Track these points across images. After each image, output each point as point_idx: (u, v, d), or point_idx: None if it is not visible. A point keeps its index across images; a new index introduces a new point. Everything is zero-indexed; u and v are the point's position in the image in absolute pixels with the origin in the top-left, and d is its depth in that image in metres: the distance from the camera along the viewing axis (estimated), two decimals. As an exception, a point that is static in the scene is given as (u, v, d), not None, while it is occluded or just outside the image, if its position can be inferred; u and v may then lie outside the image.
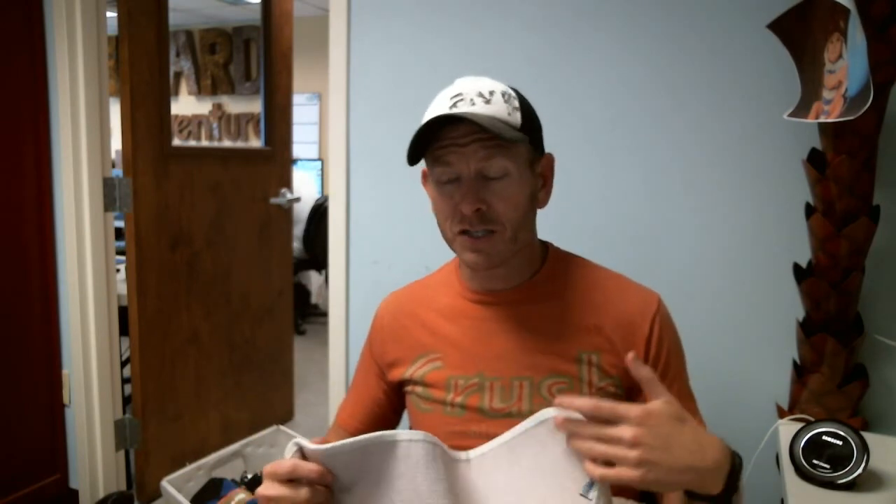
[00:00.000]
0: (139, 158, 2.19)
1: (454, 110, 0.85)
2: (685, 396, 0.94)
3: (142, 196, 2.20)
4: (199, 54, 5.83)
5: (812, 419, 1.16)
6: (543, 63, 1.54)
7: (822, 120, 1.14)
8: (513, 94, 0.90)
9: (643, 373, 0.73)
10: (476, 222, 0.87)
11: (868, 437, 1.04)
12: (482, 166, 0.86)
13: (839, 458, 1.02)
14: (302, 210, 4.29)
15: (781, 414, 1.29)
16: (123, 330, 2.26)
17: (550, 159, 0.96)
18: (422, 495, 0.71)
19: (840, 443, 1.03)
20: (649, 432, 0.67)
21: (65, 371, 2.23)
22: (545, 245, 1.01)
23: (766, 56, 1.32)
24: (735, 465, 0.73)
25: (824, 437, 1.05)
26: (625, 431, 0.67)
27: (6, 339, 2.09)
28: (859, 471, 1.00)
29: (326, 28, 1.76)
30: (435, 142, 0.87)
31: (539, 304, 0.95)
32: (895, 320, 1.28)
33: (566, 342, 0.92)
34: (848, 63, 1.06)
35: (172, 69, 5.71)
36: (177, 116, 5.95)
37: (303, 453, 0.74)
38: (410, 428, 1.06)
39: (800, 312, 1.29)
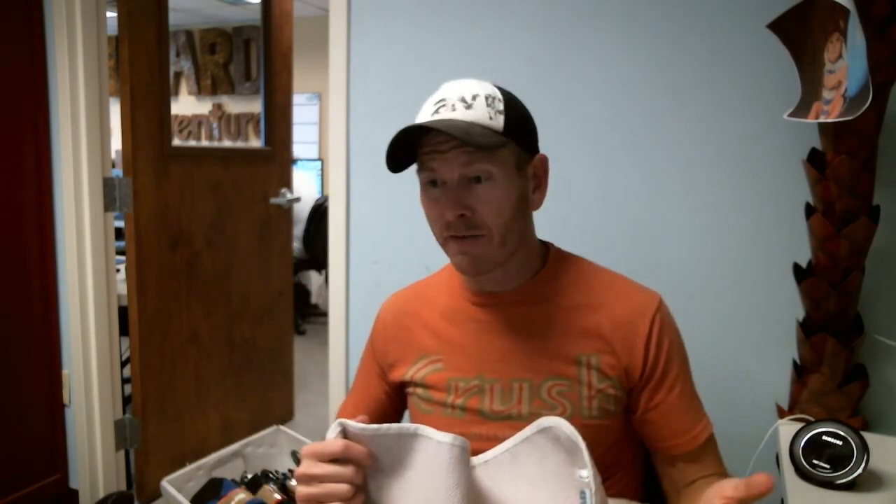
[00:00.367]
0: (139, 158, 2.19)
1: (436, 117, 0.86)
2: (688, 397, 0.94)
3: (142, 196, 2.20)
4: (199, 54, 5.83)
5: (812, 419, 1.16)
6: (543, 63, 1.54)
7: (822, 120, 1.14)
8: (499, 96, 0.89)
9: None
10: (462, 228, 0.87)
11: (868, 437, 1.04)
12: (464, 172, 0.86)
13: (839, 458, 1.02)
14: (302, 210, 4.29)
15: (781, 414, 1.29)
16: (123, 330, 2.26)
17: (544, 160, 0.95)
18: (440, 496, 0.71)
19: (840, 443, 1.03)
20: None
21: (65, 371, 2.23)
22: (546, 246, 1.00)
23: (766, 56, 1.32)
24: None
25: (824, 437, 1.05)
26: None
27: (6, 339, 2.09)
28: (859, 471, 1.00)
29: (326, 28, 1.76)
30: (419, 148, 0.88)
31: (539, 306, 0.95)
32: (895, 320, 1.28)
33: (566, 344, 0.92)
34: (848, 63, 1.06)
35: (172, 69, 5.71)
36: (177, 116, 5.95)
37: (345, 433, 0.74)
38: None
39: (800, 312, 1.29)
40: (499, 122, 0.86)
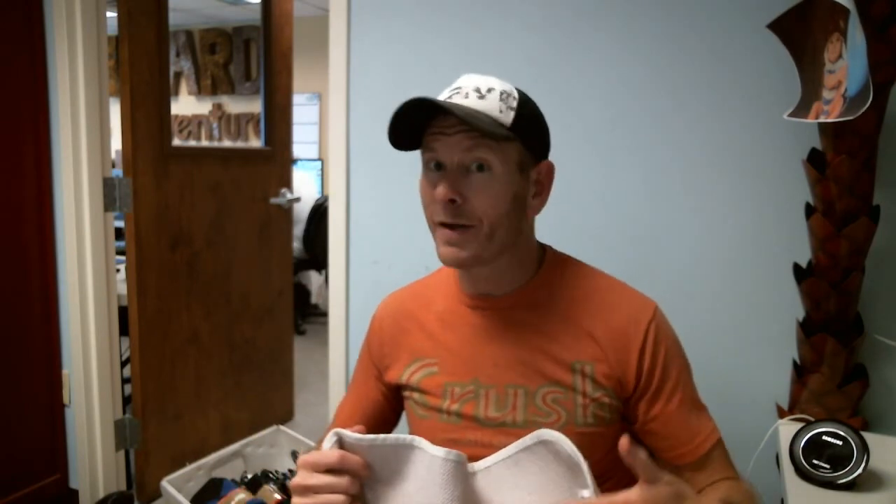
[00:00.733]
0: (139, 158, 2.19)
1: (448, 101, 0.86)
2: (689, 406, 0.92)
3: (142, 196, 2.20)
4: (199, 54, 5.83)
5: (812, 419, 1.16)
6: (543, 63, 1.54)
7: (822, 120, 1.14)
8: (515, 94, 0.89)
9: (639, 457, 0.70)
10: (450, 215, 0.86)
11: (868, 437, 1.04)
12: (464, 157, 0.85)
13: (839, 458, 1.02)
14: (302, 210, 4.29)
15: (781, 414, 1.29)
16: (123, 330, 2.26)
17: (550, 167, 0.94)
18: None
19: (840, 443, 1.03)
20: None
21: (65, 371, 2.23)
22: (543, 249, 1.00)
23: (766, 56, 1.32)
24: None
25: (824, 437, 1.05)
26: None
27: (6, 339, 2.09)
28: (859, 471, 1.00)
29: (326, 28, 1.76)
30: (427, 129, 0.88)
31: (534, 311, 0.94)
32: (895, 320, 1.28)
33: (561, 350, 0.91)
34: (848, 63, 1.06)
35: (172, 69, 5.71)
36: (177, 116, 5.95)
37: (341, 443, 0.74)
38: (409, 432, 1.06)
39: (800, 312, 1.29)
40: (508, 116, 0.86)
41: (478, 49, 1.61)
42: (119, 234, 2.25)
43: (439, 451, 0.72)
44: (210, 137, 5.91)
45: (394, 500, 0.73)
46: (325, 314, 4.49)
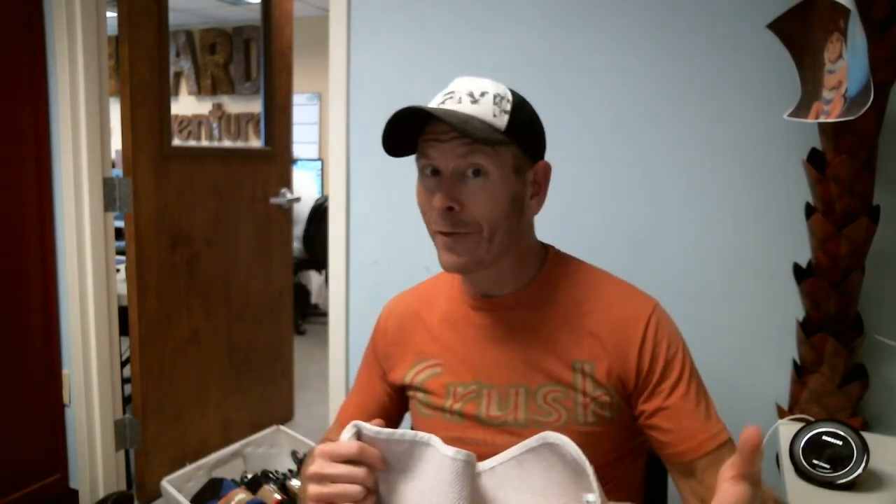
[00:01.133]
0: (139, 158, 2.19)
1: (441, 108, 0.85)
2: (693, 402, 0.89)
3: (142, 196, 2.20)
4: (199, 54, 5.83)
5: (812, 419, 1.16)
6: (543, 63, 1.54)
7: (822, 120, 1.14)
8: (509, 97, 0.88)
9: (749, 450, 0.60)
10: (448, 223, 0.86)
11: (868, 437, 1.04)
12: (460, 163, 0.85)
13: (839, 458, 1.02)
14: (302, 210, 4.29)
15: (781, 414, 1.29)
16: (123, 330, 2.26)
17: (546, 168, 0.93)
18: None
19: (840, 443, 1.03)
20: None
21: (65, 371, 2.23)
22: (545, 248, 1.00)
23: (766, 56, 1.32)
24: None
25: (824, 437, 1.05)
26: None
27: (6, 339, 2.09)
28: (859, 471, 1.00)
29: (326, 28, 1.76)
30: (421, 135, 0.88)
31: (536, 311, 0.94)
32: (895, 320, 1.28)
33: (561, 349, 0.91)
34: (848, 63, 1.06)
35: (172, 69, 5.70)
36: (177, 116, 5.95)
37: (359, 435, 0.74)
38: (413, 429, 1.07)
39: (800, 312, 1.29)
40: (502, 120, 0.86)
41: (478, 49, 1.61)
42: (119, 234, 2.25)
43: (449, 451, 0.72)
44: (210, 137, 5.91)
45: (405, 495, 0.74)
46: (325, 314, 4.49)
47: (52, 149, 2.13)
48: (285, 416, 2.98)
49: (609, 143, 1.50)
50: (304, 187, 4.26)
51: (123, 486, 2.31)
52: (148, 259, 2.25)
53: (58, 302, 2.20)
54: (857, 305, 1.24)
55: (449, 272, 0.92)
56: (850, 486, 1.01)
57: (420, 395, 0.99)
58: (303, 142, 5.57)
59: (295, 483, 1.97)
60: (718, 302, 1.43)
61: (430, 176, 0.88)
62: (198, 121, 5.94)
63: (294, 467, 2.13)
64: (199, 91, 5.87)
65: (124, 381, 2.34)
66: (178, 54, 5.82)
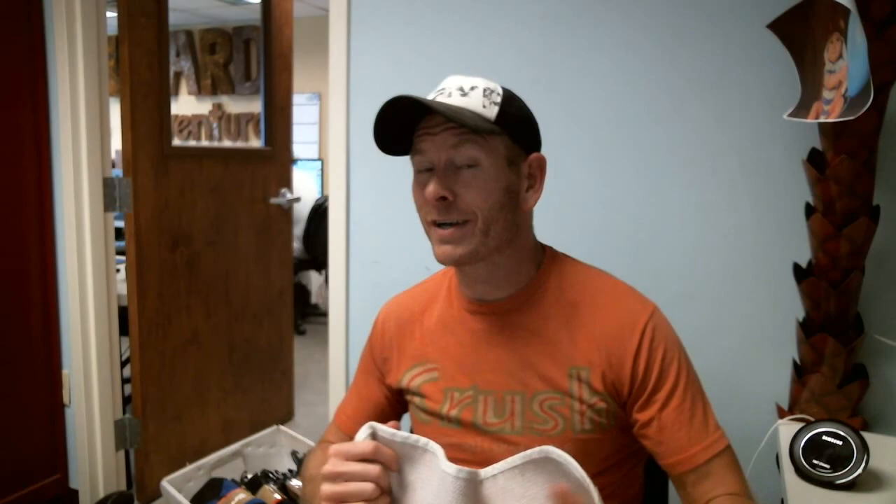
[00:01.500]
0: (139, 158, 2.19)
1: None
2: (689, 412, 0.87)
3: (142, 196, 2.20)
4: (199, 54, 5.83)
5: (812, 419, 1.16)
6: (543, 63, 1.54)
7: (822, 120, 1.14)
8: (498, 90, 0.89)
9: None
10: (443, 212, 0.86)
11: (868, 437, 1.04)
12: (451, 154, 0.86)
13: (839, 458, 1.02)
14: (302, 210, 4.29)
15: (781, 414, 1.29)
16: (123, 330, 2.26)
17: (541, 160, 0.93)
18: None
19: (840, 443, 1.03)
20: None
21: (65, 371, 2.23)
22: (543, 249, 0.99)
23: (766, 56, 1.32)
24: None
25: (824, 437, 1.05)
26: None
27: (6, 339, 2.09)
28: (859, 471, 1.00)
29: (326, 28, 1.76)
30: (415, 132, 0.89)
31: (532, 315, 0.93)
32: (895, 320, 1.28)
33: (557, 355, 0.90)
34: (848, 63, 1.06)
35: (172, 69, 5.71)
36: (177, 116, 5.95)
37: (374, 436, 0.74)
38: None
39: (800, 312, 1.29)
40: (492, 111, 0.87)
41: (478, 48, 1.61)
42: (119, 234, 2.25)
43: (451, 469, 0.72)
44: (210, 137, 5.91)
45: (413, 499, 0.74)
46: (325, 314, 4.49)
47: (52, 149, 2.13)
48: (285, 416, 2.98)
49: (609, 143, 1.50)
50: (304, 187, 4.26)
51: (123, 486, 2.31)
52: (148, 259, 2.25)
53: (58, 302, 2.20)
54: (857, 305, 1.24)
55: (445, 265, 0.91)
56: (850, 486, 1.01)
57: (417, 399, 0.99)
58: (303, 142, 5.57)
59: (295, 483, 1.97)
60: (718, 302, 1.43)
61: (422, 171, 0.89)
62: (198, 121, 5.94)
63: (294, 467, 2.13)
64: (199, 91, 5.87)
65: (124, 381, 2.34)
66: (178, 54, 5.82)
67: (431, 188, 0.85)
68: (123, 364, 2.33)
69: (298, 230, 4.29)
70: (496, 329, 0.94)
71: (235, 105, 5.78)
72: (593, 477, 0.83)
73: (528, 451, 0.74)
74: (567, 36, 1.52)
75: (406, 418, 1.06)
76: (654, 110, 1.45)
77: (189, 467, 2.03)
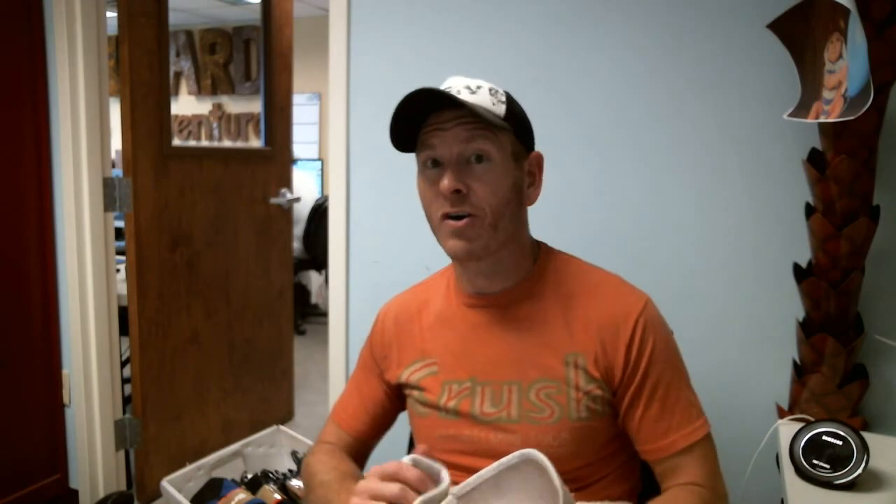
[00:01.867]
0: (139, 158, 2.18)
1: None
2: (673, 402, 0.91)
3: (142, 196, 2.20)
4: (199, 54, 5.83)
5: (812, 419, 1.16)
6: (543, 63, 1.54)
7: (822, 120, 1.14)
8: (502, 92, 0.93)
9: None
10: (456, 203, 0.87)
11: (868, 437, 1.04)
12: (464, 149, 0.87)
13: (839, 458, 1.02)
14: (302, 210, 4.29)
15: (781, 414, 1.29)
16: (123, 330, 2.26)
17: (539, 157, 0.97)
18: None
19: (840, 443, 1.03)
20: None
21: (65, 371, 2.23)
22: (538, 244, 1.01)
23: (766, 56, 1.32)
24: None
25: (824, 437, 1.05)
26: None
27: (6, 339, 2.09)
28: (859, 471, 1.00)
29: (326, 28, 1.76)
30: (423, 128, 0.90)
31: (529, 306, 0.95)
32: (895, 320, 1.28)
33: (554, 344, 0.92)
34: (848, 63, 1.06)
35: (172, 69, 5.71)
36: (177, 116, 5.94)
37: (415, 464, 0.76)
38: (411, 429, 1.07)
39: (800, 312, 1.29)
40: (500, 109, 0.90)
41: (478, 49, 1.61)
42: (119, 234, 2.25)
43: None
44: (210, 137, 5.91)
45: None
46: (325, 314, 4.49)
47: (52, 149, 2.13)
48: (285, 416, 2.98)
49: (609, 143, 1.50)
50: (304, 187, 4.26)
51: (123, 486, 2.31)
52: (148, 259, 2.25)
53: (58, 302, 2.20)
54: (857, 305, 1.24)
55: (456, 258, 0.93)
56: (849, 486, 1.01)
57: (416, 393, 1.00)
58: (303, 142, 5.57)
59: (295, 483, 1.97)
60: (718, 302, 1.43)
61: (431, 167, 0.90)
62: (198, 121, 5.94)
63: (294, 467, 2.13)
64: (199, 91, 5.87)
65: (124, 381, 2.34)
66: (178, 54, 5.82)
67: (447, 182, 0.86)
68: (123, 364, 2.33)
69: (298, 230, 4.29)
70: (495, 321, 0.96)
71: (235, 105, 5.78)
72: (589, 466, 0.84)
73: (503, 459, 0.74)
74: (567, 36, 1.52)
75: (403, 416, 1.07)
76: (654, 110, 1.45)
77: (189, 467, 2.02)
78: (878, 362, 1.29)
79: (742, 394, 1.41)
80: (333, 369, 1.88)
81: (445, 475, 0.74)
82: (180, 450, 2.41)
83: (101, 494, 2.23)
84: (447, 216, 0.88)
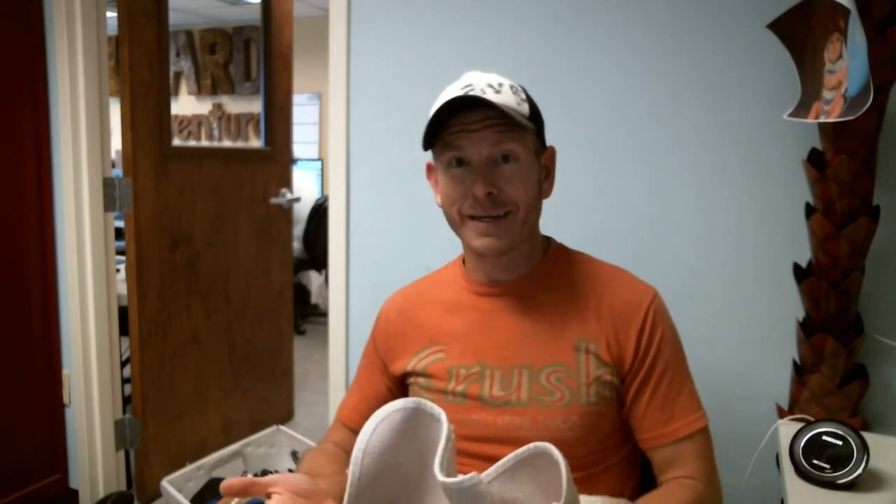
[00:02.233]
0: (139, 158, 2.18)
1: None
2: (676, 392, 0.93)
3: (142, 196, 2.20)
4: (199, 54, 5.83)
5: (812, 419, 1.16)
6: (543, 63, 1.54)
7: (822, 120, 1.14)
8: (520, 87, 0.94)
9: None
10: (489, 206, 0.89)
11: (868, 437, 1.04)
12: (493, 151, 0.89)
13: (839, 458, 1.02)
14: (302, 210, 4.28)
15: (781, 414, 1.29)
16: (123, 330, 2.26)
17: (553, 152, 0.99)
18: None
19: (840, 443, 1.03)
20: None
21: (65, 371, 2.23)
22: (547, 239, 1.04)
23: (766, 56, 1.32)
24: None
25: (824, 437, 1.05)
26: None
27: (6, 339, 2.09)
28: (859, 471, 1.00)
29: (326, 28, 1.76)
30: (446, 128, 0.90)
31: (540, 294, 0.97)
32: (895, 320, 1.28)
33: (565, 331, 0.94)
34: (848, 63, 1.06)
35: (172, 69, 5.71)
36: (177, 116, 5.94)
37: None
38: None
39: (800, 312, 1.29)
40: (525, 108, 0.91)
41: (478, 48, 1.61)
42: (119, 234, 2.25)
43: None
44: (210, 137, 5.91)
45: None
46: (325, 314, 4.49)
47: (52, 149, 2.13)
48: (285, 416, 2.98)
49: (609, 143, 1.50)
50: (304, 187, 4.26)
51: (123, 486, 2.31)
52: (148, 259, 2.25)
53: (58, 302, 2.20)
54: (856, 305, 1.24)
55: (487, 256, 0.94)
56: (850, 486, 1.01)
57: (422, 380, 1.00)
58: (303, 142, 5.57)
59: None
60: (718, 301, 1.43)
61: (456, 167, 0.91)
62: (198, 121, 5.94)
63: (294, 467, 2.13)
64: (199, 91, 5.87)
65: (124, 381, 2.34)
66: (178, 54, 5.82)
67: (480, 187, 0.87)
68: (123, 364, 2.33)
69: (298, 230, 4.29)
70: (506, 308, 0.97)
71: (235, 105, 5.78)
72: (595, 454, 0.85)
73: (517, 452, 0.74)
74: (567, 36, 1.52)
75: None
76: (654, 110, 1.45)
77: (189, 467, 2.02)
78: (878, 362, 1.29)
79: (742, 394, 1.41)
80: (333, 369, 1.88)
81: (444, 417, 0.74)
82: (180, 450, 2.41)
83: (101, 494, 2.23)
84: (472, 217, 0.90)
